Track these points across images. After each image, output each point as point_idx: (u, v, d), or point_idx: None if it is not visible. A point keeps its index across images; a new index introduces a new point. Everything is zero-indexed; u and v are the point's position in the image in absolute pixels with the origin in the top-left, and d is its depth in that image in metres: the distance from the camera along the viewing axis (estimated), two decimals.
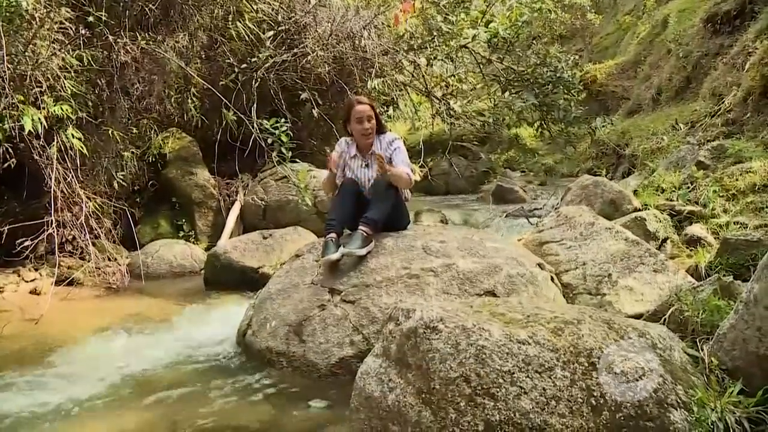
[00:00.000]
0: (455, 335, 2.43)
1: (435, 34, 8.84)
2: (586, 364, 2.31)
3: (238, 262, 6.09)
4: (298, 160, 7.81)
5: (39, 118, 5.19)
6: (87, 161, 6.27)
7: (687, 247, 5.14)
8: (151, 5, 6.56)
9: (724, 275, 3.47)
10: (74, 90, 5.64)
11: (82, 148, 5.79)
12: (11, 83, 5.22)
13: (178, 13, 7.11)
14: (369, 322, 3.69)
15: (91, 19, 5.87)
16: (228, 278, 6.07)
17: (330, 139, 9.15)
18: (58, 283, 5.74)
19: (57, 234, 5.78)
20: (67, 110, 5.47)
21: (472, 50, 9.60)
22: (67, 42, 5.76)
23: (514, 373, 2.29)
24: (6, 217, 6.02)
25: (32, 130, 5.15)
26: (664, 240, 5.25)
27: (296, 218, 7.62)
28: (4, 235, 5.77)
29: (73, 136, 5.71)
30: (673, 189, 6.49)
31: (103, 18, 5.92)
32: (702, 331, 2.85)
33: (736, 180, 5.83)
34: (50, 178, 5.67)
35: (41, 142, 5.55)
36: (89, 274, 6.20)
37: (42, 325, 4.98)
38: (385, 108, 10.03)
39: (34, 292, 5.83)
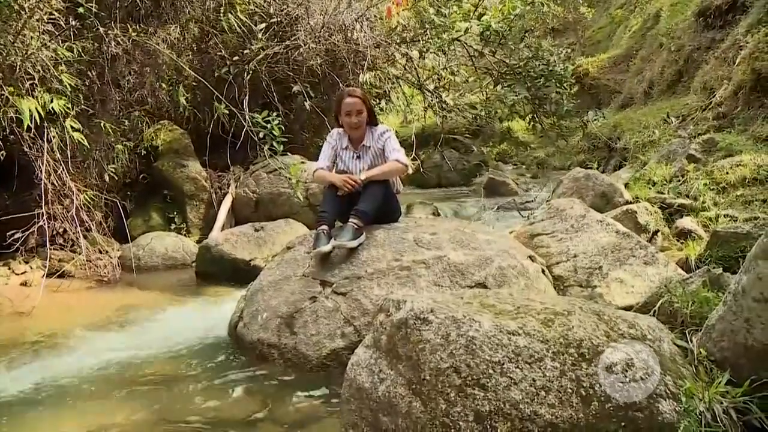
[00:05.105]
0: (445, 326, 2.44)
1: (427, 26, 8.82)
2: (576, 355, 2.32)
3: (230, 255, 6.09)
4: (289, 153, 7.81)
5: (37, 110, 5.16)
6: (78, 153, 6.24)
7: (677, 240, 5.16)
8: None
9: (713, 267, 3.49)
10: (69, 82, 5.61)
11: (82, 139, 5.77)
12: (0, 75, 5.19)
13: (169, 4, 7.08)
14: (360, 314, 3.69)
15: (81, 10, 5.83)
16: (219, 271, 6.07)
17: (322, 132, 9.12)
18: (49, 275, 5.73)
19: (48, 226, 5.76)
20: (62, 104, 5.44)
21: (465, 43, 9.59)
22: (57, 33, 5.72)
23: (504, 364, 2.30)
24: None
25: (29, 124, 5.12)
26: (655, 232, 5.27)
27: (288, 211, 7.61)
28: None
29: (72, 128, 5.69)
30: (664, 182, 6.51)
31: (94, 9, 5.89)
32: (691, 322, 2.86)
33: (727, 173, 5.86)
34: (41, 171, 5.64)
35: (32, 134, 5.52)
36: (80, 267, 6.18)
37: (33, 317, 4.97)
38: (378, 101, 10.02)
39: (24, 284, 5.82)
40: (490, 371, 2.29)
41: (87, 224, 6.21)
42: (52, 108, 5.37)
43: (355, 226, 4.06)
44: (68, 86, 5.61)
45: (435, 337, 2.42)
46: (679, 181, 6.33)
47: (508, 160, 15.27)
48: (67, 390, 3.50)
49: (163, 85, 7.38)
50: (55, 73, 5.52)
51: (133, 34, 6.46)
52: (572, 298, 3.81)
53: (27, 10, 5.33)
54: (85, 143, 5.88)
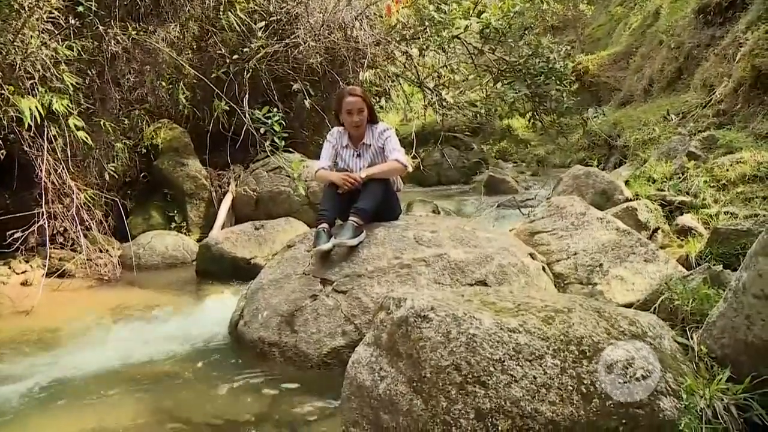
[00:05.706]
0: (446, 324, 2.43)
1: (427, 24, 8.83)
2: (577, 353, 2.32)
3: (230, 253, 6.09)
4: (292, 150, 7.81)
5: (37, 107, 5.16)
6: (78, 152, 6.24)
7: (678, 237, 5.16)
8: None
9: (714, 264, 3.49)
10: (70, 81, 5.60)
11: (86, 138, 5.77)
12: (0, 74, 5.18)
13: (169, 3, 7.08)
14: (361, 312, 3.69)
15: (80, 9, 5.83)
16: (220, 269, 6.07)
17: (322, 130, 9.13)
18: (49, 274, 5.73)
19: (48, 225, 5.76)
20: (64, 103, 5.44)
21: (464, 41, 9.59)
22: (56, 32, 5.71)
23: (504, 362, 2.30)
24: None
25: (30, 123, 5.12)
26: (655, 230, 5.27)
27: (288, 209, 7.62)
28: None
29: (76, 126, 5.68)
30: (665, 179, 6.51)
31: (93, 8, 5.88)
32: (692, 319, 2.86)
33: (727, 170, 5.85)
34: (41, 170, 5.64)
35: (32, 133, 5.52)
36: (81, 266, 6.18)
37: (33, 316, 4.97)
38: (377, 99, 10.01)
39: (25, 283, 5.81)
40: (491, 369, 2.29)
41: (87, 223, 6.20)
42: (54, 107, 5.36)
43: (355, 225, 4.05)
44: (69, 85, 5.60)
45: (435, 335, 2.42)
46: (679, 178, 6.33)
47: (508, 158, 15.28)
48: (67, 389, 3.49)
49: (163, 84, 7.38)
50: (56, 72, 5.52)
51: (133, 32, 6.47)
52: (573, 295, 3.81)
53: (26, 8, 5.33)
54: (89, 141, 5.88)
